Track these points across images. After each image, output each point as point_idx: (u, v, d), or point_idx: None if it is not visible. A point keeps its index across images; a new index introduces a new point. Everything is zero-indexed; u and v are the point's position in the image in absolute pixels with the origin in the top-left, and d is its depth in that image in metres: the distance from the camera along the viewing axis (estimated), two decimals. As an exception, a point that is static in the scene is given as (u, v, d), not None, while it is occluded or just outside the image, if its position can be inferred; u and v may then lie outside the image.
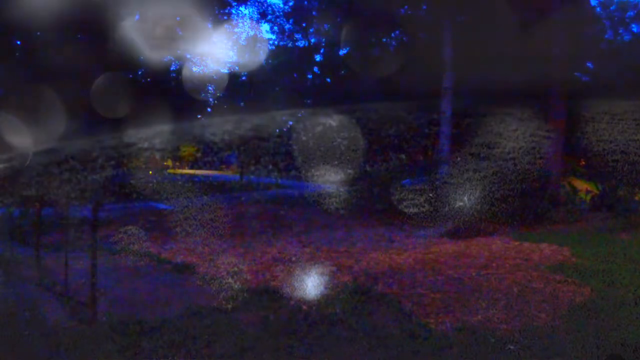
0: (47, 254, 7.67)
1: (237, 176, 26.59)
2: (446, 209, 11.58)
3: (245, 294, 6.08)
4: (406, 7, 19.39)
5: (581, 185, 15.60)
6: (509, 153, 12.58)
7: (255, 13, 23.72)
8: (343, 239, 10.38)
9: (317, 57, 24.40)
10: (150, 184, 12.96)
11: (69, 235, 7.10)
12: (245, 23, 24.01)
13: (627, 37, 20.84)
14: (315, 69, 24.45)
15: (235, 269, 7.63)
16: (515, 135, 12.86)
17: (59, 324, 5.09)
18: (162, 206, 14.31)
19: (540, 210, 11.92)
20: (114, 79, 15.34)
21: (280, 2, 33.86)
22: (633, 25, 20.88)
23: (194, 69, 22.92)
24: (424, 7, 18.85)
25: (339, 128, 15.27)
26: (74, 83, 12.82)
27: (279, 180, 23.53)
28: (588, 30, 17.44)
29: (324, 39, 23.41)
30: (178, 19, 17.63)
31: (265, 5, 23.74)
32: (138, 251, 8.93)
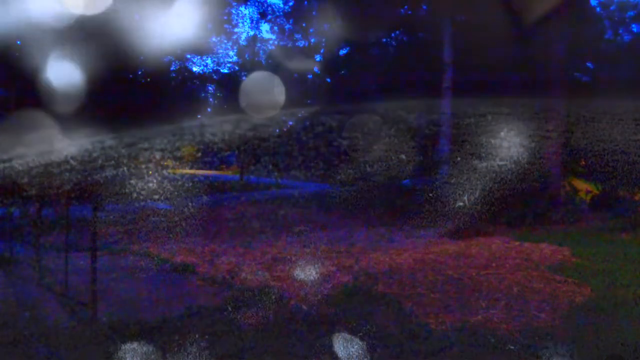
0: (47, 254, 7.66)
1: (237, 176, 26.59)
2: (446, 209, 11.57)
3: (245, 294, 6.08)
4: (406, 7, 19.37)
5: (581, 185, 15.59)
6: (509, 153, 12.56)
7: (255, 13, 23.73)
8: (343, 239, 10.38)
9: (317, 57, 24.39)
10: (150, 184, 12.94)
11: (69, 235, 7.10)
12: (245, 23, 24.02)
13: (627, 37, 20.83)
14: (315, 69, 24.45)
15: (235, 268, 7.63)
16: (515, 135, 12.84)
17: (59, 324, 5.09)
18: (162, 206, 14.31)
19: (540, 210, 11.93)
20: (114, 79, 15.33)
21: (280, 2, 33.88)
22: (633, 25, 20.87)
23: (194, 69, 22.95)
24: (424, 7, 18.84)
25: (339, 128, 15.26)
26: (73, 83, 12.82)
27: (279, 180, 23.53)
28: (588, 30, 17.42)
29: (324, 39, 23.40)
30: (178, 19, 17.62)
31: (265, 5, 23.74)
32: (138, 251, 8.93)
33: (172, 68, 21.27)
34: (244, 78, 23.87)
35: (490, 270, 7.43)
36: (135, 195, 12.20)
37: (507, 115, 12.99)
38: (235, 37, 23.80)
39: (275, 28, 24.50)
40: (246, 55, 24.01)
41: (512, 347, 4.52)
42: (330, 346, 4.54)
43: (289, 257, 8.43)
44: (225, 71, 24.05)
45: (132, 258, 8.45)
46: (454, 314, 5.48)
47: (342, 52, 22.42)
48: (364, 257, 8.46)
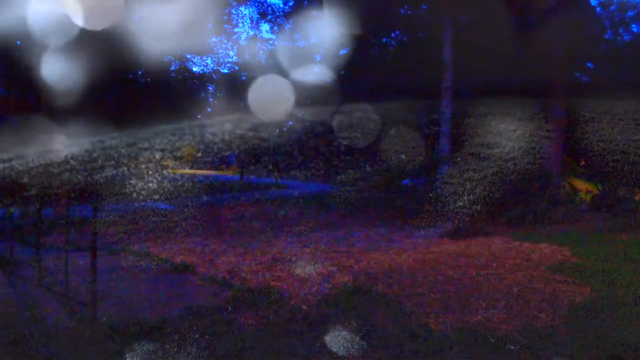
0: (47, 254, 7.66)
1: (237, 176, 26.60)
2: (446, 209, 11.58)
3: (245, 294, 6.08)
4: (406, 7, 19.37)
5: (581, 185, 15.60)
6: (509, 153, 12.56)
7: (255, 13, 23.72)
8: (343, 239, 10.38)
9: (317, 57, 24.37)
10: (150, 184, 12.96)
11: (69, 235, 7.10)
12: (245, 23, 24.02)
13: (627, 37, 20.82)
14: (315, 69, 24.43)
15: (235, 268, 7.63)
16: (515, 135, 12.84)
17: (59, 324, 5.09)
18: (162, 206, 14.32)
19: (540, 210, 11.92)
20: (114, 79, 15.33)
21: (280, 2, 33.91)
22: (633, 25, 20.86)
23: (194, 69, 22.94)
24: (424, 7, 18.83)
25: (339, 128, 15.27)
26: (74, 83, 12.82)
27: (279, 180, 23.54)
28: (588, 30, 17.42)
29: (323, 39, 23.38)
30: (178, 19, 17.62)
31: (265, 5, 23.73)
32: (138, 251, 8.93)
33: (172, 68, 21.27)
34: (243, 78, 23.87)
35: (490, 270, 7.43)
36: (135, 195, 12.21)
37: (507, 115, 12.98)
38: (235, 37, 23.79)
39: (275, 28, 24.48)
40: (246, 55, 23.99)
41: (512, 347, 4.52)
42: (330, 346, 4.54)
43: (289, 257, 8.44)
44: (225, 71, 24.05)
45: (132, 258, 8.45)
46: (454, 314, 5.48)
47: (342, 52, 22.40)
48: (364, 257, 8.46)
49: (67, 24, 12.21)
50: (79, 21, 12.08)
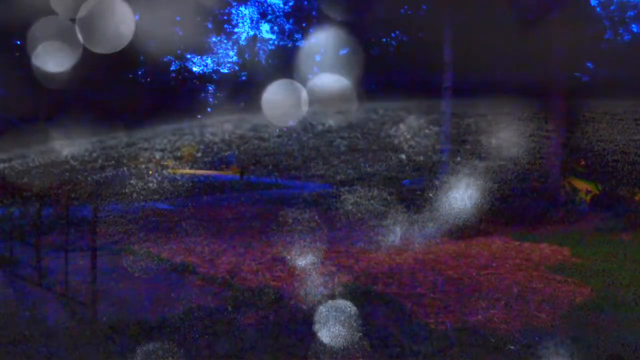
0: (47, 254, 7.66)
1: (237, 176, 26.60)
2: (446, 209, 11.58)
3: (245, 294, 6.08)
4: (406, 7, 19.37)
5: (581, 185, 15.60)
6: (508, 153, 12.57)
7: (255, 13, 23.72)
8: (343, 238, 10.38)
9: (317, 57, 24.37)
10: (150, 184, 12.96)
11: (69, 235, 7.10)
12: (245, 23, 24.04)
13: (627, 37, 20.81)
14: (315, 69, 24.43)
15: (235, 269, 7.63)
16: (515, 135, 12.85)
17: (59, 324, 5.09)
18: (162, 206, 14.31)
19: (540, 210, 11.93)
20: (114, 79, 15.32)
21: (280, 2, 33.91)
22: (633, 25, 20.86)
23: (194, 69, 22.94)
24: (424, 7, 18.83)
25: (339, 128, 15.28)
26: (74, 83, 12.81)
27: (279, 180, 23.55)
28: (588, 30, 17.41)
29: (323, 39, 23.38)
30: (178, 19, 17.62)
31: (265, 5, 23.73)
32: (138, 251, 8.93)
33: (172, 68, 21.26)
34: (244, 78, 23.88)
35: (490, 270, 7.43)
36: (135, 195, 12.21)
37: (507, 115, 12.99)
38: (235, 37, 23.79)
39: (275, 28, 24.48)
40: (246, 55, 24.00)
41: (512, 347, 4.52)
42: (330, 346, 4.54)
43: (288, 257, 8.43)
44: (225, 71, 24.05)
45: (132, 258, 8.44)
46: (454, 314, 5.48)
47: (342, 52, 22.40)
48: (364, 257, 8.46)
49: (67, 23, 12.21)
50: (80, 21, 12.08)
